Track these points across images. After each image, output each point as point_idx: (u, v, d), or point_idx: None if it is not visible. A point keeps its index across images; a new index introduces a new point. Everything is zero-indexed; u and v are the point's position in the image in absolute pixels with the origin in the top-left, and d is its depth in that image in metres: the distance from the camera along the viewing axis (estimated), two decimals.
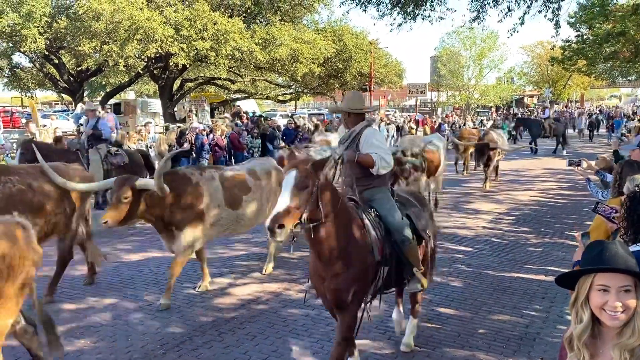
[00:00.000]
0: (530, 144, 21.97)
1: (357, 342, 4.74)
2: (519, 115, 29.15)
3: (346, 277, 3.71)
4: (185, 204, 5.67)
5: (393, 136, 22.22)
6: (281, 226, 3.26)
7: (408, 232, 4.07)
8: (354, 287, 3.76)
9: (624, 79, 42.72)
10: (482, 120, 30.82)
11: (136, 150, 11.03)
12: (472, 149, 14.62)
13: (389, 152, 4.17)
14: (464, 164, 16.11)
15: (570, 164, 5.68)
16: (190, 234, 5.72)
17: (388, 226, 4.03)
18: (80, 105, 21.72)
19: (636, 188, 2.52)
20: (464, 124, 26.62)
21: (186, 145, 13.03)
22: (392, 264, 4.02)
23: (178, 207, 5.63)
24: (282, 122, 20.83)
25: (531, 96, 60.96)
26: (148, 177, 8.16)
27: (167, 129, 15.40)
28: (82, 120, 11.83)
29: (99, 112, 11.41)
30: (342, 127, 4.59)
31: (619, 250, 1.78)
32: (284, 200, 3.33)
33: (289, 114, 31.24)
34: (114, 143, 11.89)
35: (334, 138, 14.65)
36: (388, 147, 4.16)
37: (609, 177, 5.01)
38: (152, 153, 12.83)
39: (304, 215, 3.39)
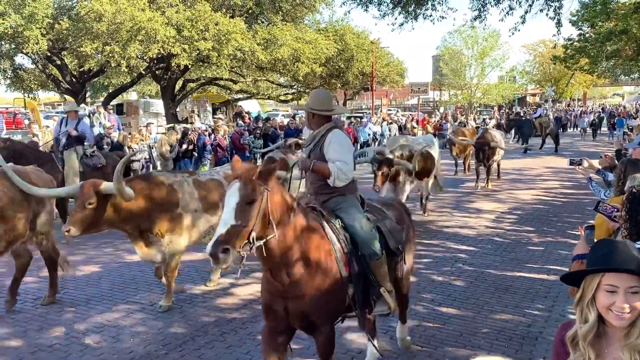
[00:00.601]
0: (523, 144, 21.90)
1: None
2: (511, 116, 29.09)
3: (313, 297, 3.34)
4: (162, 209, 5.44)
5: (395, 135, 22.21)
6: (226, 250, 2.83)
7: (376, 245, 3.68)
8: (324, 308, 3.42)
9: (627, 77, 42.64)
10: (484, 119, 30.75)
11: (114, 151, 10.68)
12: (470, 149, 14.46)
13: (351, 161, 3.72)
14: (463, 163, 15.90)
15: (571, 164, 5.66)
16: (172, 239, 5.55)
17: (354, 237, 3.63)
18: (82, 106, 21.77)
19: (632, 189, 2.51)
20: (465, 123, 26.53)
21: (184, 147, 13.03)
22: (359, 282, 3.62)
23: (154, 213, 5.37)
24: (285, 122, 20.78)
25: (533, 95, 60.81)
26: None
27: (172, 128, 15.41)
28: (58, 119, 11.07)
29: (94, 110, 11.32)
30: (306, 129, 4.45)
31: (629, 250, 1.73)
32: (228, 219, 2.90)
33: (292, 114, 31.28)
34: (115, 144, 11.93)
35: None
36: (352, 155, 3.76)
37: (610, 176, 4.99)
38: (154, 153, 12.85)
39: (253, 234, 2.97)
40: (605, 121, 31.73)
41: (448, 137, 15.99)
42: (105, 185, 4.99)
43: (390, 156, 8.53)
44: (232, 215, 2.91)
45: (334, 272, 3.45)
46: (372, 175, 8.59)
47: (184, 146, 13.06)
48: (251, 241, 2.96)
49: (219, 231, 2.89)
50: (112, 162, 9.52)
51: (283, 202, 3.21)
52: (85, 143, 9.52)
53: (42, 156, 9.26)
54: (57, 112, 27.01)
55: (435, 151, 10.09)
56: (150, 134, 14.15)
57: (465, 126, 24.24)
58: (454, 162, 15.84)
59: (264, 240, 3.08)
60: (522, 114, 28.97)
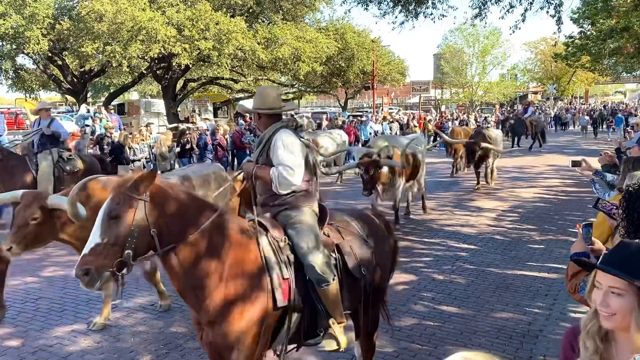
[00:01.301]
0: (514, 145, 21.74)
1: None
2: (501, 117, 29.06)
3: (226, 327, 2.92)
4: None
5: (396, 134, 22.19)
6: (87, 271, 2.60)
7: (325, 270, 3.19)
8: (238, 343, 2.94)
9: (629, 75, 42.55)
10: (486, 118, 30.72)
11: (93, 154, 10.28)
12: (461, 150, 13.83)
13: (297, 165, 3.25)
14: (454, 165, 15.32)
15: (574, 165, 5.60)
16: None
17: (300, 260, 3.21)
18: (84, 106, 21.80)
19: (629, 187, 2.50)
20: (467, 122, 26.48)
21: (181, 147, 13.02)
22: (306, 311, 3.20)
23: None
24: None
25: (535, 93, 60.77)
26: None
27: (177, 128, 15.43)
28: (34, 119, 10.11)
29: (96, 110, 11.12)
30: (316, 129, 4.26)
31: (631, 253, 1.69)
32: (93, 237, 2.66)
33: (292, 113, 31.28)
34: (115, 143, 11.91)
35: (324, 137, 14.22)
36: (299, 158, 3.29)
37: (609, 177, 4.96)
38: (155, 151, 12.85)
39: (129, 252, 2.67)
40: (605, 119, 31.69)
41: (442, 136, 15.75)
42: (53, 200, 4.37)
43: (376, 158, 8.22)
44: (97, 233, 2.66)
45: (261, 298, 3.00)
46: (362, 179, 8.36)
47: (181, 147, 13.06)
48: (127, 260, 2.67)
49: (84, 251, 2.66)
50: (89, 167, 9.01)
51: (182, 213, 2.86)
52: (61, 142, 9.01)
53: (13, 158, 8.62)
54: (59, 112, 27.07)
55: (420, 150, 9.73)
56: (151, 133, 14.17)
57: (466, 125, 24.22)
58: (442, 164, 15.45)
59: (148, 257, 2.81)
60: (511, 114, 28.73)
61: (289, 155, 3.26)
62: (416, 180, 9.68)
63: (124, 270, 2.69)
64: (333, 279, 3.23)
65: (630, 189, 2.48)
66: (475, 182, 12.94)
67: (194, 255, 2.88)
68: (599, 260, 1.82)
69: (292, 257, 3.18)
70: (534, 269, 6.77)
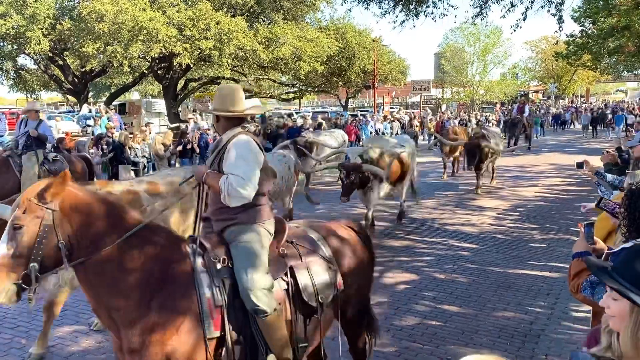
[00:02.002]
0: (512, 144, 21.49)
1: None
2: (504, 117, 28.82)
3: (147, 357, 2.62)
4: None
5: (397, 133, 22.19)
6: None
7: (264, 300, 2.81)
8: None
9: (630, 73, 42.51)
10: (487, 117, 30.69)
11: (78, 155, 10.12)
12: (459, 150, 13.64)
13: (250, 176, 2.92)
14: (452, 164, 14.98)
15: (578, 167, 5.57)
16: None
17: (239, 285, 2.85)
18: (85, 106, 21.85)
19: (632, 186, 2.50)
20: (467, 121, 26.44)
21: (171, 148, 13.00)
22: (245, 342, 2.86)
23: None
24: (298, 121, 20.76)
25: (536, 91, 60.76)
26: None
27: (178, 128, 15.46)
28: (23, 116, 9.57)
29: (97, 110, 11.02)
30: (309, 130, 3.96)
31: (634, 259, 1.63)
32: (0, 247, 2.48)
33: (294, 112, 31.29)
34: (116, 143, 11.90)
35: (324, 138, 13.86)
36: (254, 168, 2.97)
37: (609, 177, 4.94)
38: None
39: (32, 265, 2.45)
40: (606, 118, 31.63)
41: (437, 137, 15.50)
42: None
43: (359, 161, 7.83)
44: (4, 243, 2.48)
45: (190, 327, 2.68)
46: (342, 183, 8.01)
47: (182, 146, 13.07)
48: (31, 273, 2.45)
49: None
50: (75, 168, 8.74)
51: (98, 225, 2.61)
52: (47, 145, 8.77)
53: None
54: (60, 113, 27.12)
55: (409, 152, 9.28)
56: (150, 133, 14.19)
57: (466, 125, 24.17)
58: (442, 164, 14.80)
59: (54, 271, 2.59)
60: (507, 113, 28.47)
61: (242, 164, 2.93)
62: (403, 183, 9.15)
63: (33, 284, 2.46)
64: (274, 310, 2.85)
65: (632, 187, 2.47)
66: (475, 184, 12.50)
67: (108, 272, 2.60)
68: (609, 261, 1.80)
69: (229, 281, 2.84)
70: (535, 268, 6.76)
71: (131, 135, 12.81)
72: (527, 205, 10.77)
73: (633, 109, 37.28)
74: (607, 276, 1.61)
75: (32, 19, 19.44)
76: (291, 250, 3.15)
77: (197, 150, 13.38)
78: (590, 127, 29.11)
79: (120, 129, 15.89)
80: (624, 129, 23.61)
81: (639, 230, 2.40)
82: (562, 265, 6.62)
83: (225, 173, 2.94)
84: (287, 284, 3.04)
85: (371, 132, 20.80)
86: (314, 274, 3.13)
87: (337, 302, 3.23)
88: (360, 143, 19.23)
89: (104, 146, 11.99)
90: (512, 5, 12.24)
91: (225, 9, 22.00)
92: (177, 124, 18.44)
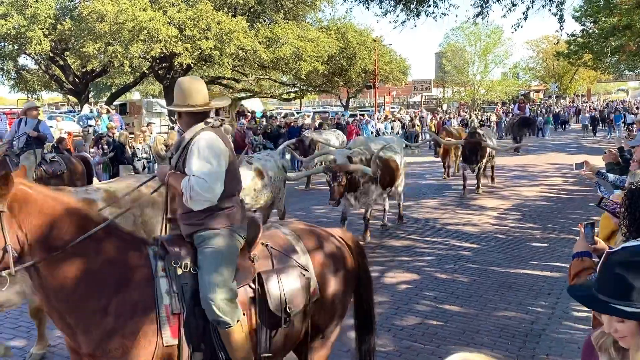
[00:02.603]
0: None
1: None
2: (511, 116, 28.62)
3: None
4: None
5: (398, 133, 22.18)
6: None
7: (226, 310, 2.67)
8: None
9: (631, 73, 42.45)
10: (488, 116, 30.67)
11: (76, 155, 10.06)
12: (455, 151, 13.24)
13: (212, 177, 2.73)
14: (448, 166, 14.53)
15: (577, 168, 5.56)
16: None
17: (200, 294, 2.71)
18: (86, 106, 21.87)
19: (632, 185, 2.49)
20: (468, 121, 26.39)
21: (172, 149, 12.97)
22: (206, 351, 2.74)
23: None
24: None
25: (537, 91, 60.71)
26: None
27: (172, 128, 15.48)
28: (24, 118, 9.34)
29: (98, 110, 10.91)
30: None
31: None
32: None
33: (294, 112, 31.31)
34: (116, 143, 11.90)
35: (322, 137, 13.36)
36: (217, 168, 2.78)
37: (611, 177, 4.93)
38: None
39: None
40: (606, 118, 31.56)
41: (433, 137, 15.30)
42: None
43: (344, 161, 7.36)
44: None
45: (147, 335, 2.59)
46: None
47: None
48: None
49: None
50: (75, 168, 8.71)
51: (50, 226, 2.51)
52: (45, 144, 8.71)
53: None
54: (61, 113, 27.14)
55: (398, 154, 8.87)
56: (151, 133, 14.19)
57: (467, 124, 24.08)
58: (441, 163, 14.64)
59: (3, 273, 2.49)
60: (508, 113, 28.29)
61: (205, 164, 2.75)
62: (395, 187, 8.77)
63: None
64: (237, 321, 2.70)
65: (632, 187, 2.47)
66: (476, 184, 12.34)
67: (60, 276, 2.51)
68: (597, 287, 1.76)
69: (190, 288, 2.71)
70: (536, 268, 6.75)
71: (132, 136, 12.81)
72: (528, 205, 10.76)
73: (630, 107, 37.21)
74: (601, 307, 1.56)
75: (33, 19, 19.45)
76: (263, 255, 2.99)
77: None
78: (590, 127, 29.06)
79: (121, 128, 15.90)
80: (624, 128, 23.56)
81: (639, 230, 2.39)
82: (563, 265, 6.61)
83: (188, 174, 2.78)
84: (254, 291, 2.88)
85: (372, 132, 20.81)
86: (284, 281, 2.92)
87: (308, 312, 3.06)
88: None
89: (105, 146, 11.99)
90: (513, 5, 12.24)
91: (225, 9, 22.00)
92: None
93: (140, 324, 2.58)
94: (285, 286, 2.91)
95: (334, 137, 14.31)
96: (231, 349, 2.72)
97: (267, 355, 2.90)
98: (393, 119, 23.84)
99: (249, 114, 25.05)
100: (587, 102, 52.94)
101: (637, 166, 4.26)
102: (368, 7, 13.35)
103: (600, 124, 30.30)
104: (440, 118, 27.38)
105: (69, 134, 15.91)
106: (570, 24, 41.33)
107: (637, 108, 37.65)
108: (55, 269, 2.51)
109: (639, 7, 19.36)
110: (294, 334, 3.04)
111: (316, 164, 9.93)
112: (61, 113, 27.83)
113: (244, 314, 2.78)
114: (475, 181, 12.12)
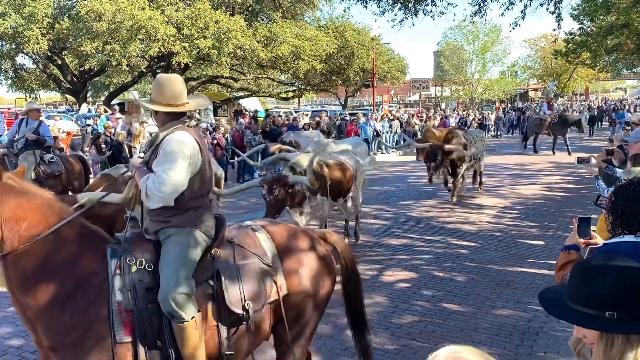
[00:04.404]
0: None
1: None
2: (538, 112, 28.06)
3: (56, 356, 2.63)
4: None
5: (396, 132, 22.16)
6: None
7: (182, 304, 2.67)
8: None
9: (629, 71, 42.48)
10: (485, 115, 30.68)
11: (73, 155, 9.99)
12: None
13: (170, 177, 2.71)
14: (428, 170, 12.64)
15: (579, 162, 5.57)
16: None
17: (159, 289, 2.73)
18: (84, 105, 21.82)
19: (620, 182, 2.52)
20: (466, 120, 26.38)
21: None
22: (162, 349, 2.74)
23: None
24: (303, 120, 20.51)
25: (535, 89, 60.74)
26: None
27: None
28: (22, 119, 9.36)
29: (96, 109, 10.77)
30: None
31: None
32: None
33: (293, 111, 31.30)
34: (114, 143, 11.88)
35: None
36: (178, 168, 2.74)
37: (619, 172, 4.94)
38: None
39: None
40: (606, 117, 31.50)
41: (405, 139, 14.62)
42: None
43: (287, 171, 6.53)
44: None
45: (102, 331, 2.63)
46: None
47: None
48: None
49: None
50: (73, 168, 8.68)
51: (19, 219, 2.57)
52: (45, 146, 8.61)
53: None
54: (59, 112, 27.12)
55: (355, 162, 7.93)
56: (146, 132, 14.18)
57: (465, 124, 24.05)
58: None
59: None
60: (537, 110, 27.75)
61: (170, 164, 2.73)
62: (349, 197, 7.73)
63: None
64: (192, 317, 2.71)
65: (619, 184, 2.51)
66: (475, 185, 12.02)
67: (21, 270, 2.57)
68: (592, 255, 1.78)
69: (144, 285, 2.73)
70: (534, 266, 6.76)
71: (129, 136, 12.79)
72: (526, 203, 10.77)
73: (624, 106, 37.21)
74: (569, 316, 1.53)
75: (31, 18, 19.39)
76: (226, 253, 2.98)
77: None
78: (588, 126, 28.94)
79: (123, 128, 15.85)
80: (623, 127, 23.52)
81: (623, 226, 2.44)
82: None
83: (153, 171, 2.81)
84: (212, 288, 2.89)
85: (369, 132, 20.75)
86: (245, 279, 2.92)
87: (275, 309, 3.05)
88: None
89: (102, 145, 11.98)
90: (511, 3, 12.23)
91: (223, 8, 21.98)
92: None
93: (94, 321, 2.62)
94: (246, 283, 2.91)
95: (315, 138, 13.54)
96: (183, 346, 2.72)
97: (229, 353, 2.89)
98: (392, 117, 23.81)
99: (247, 113, 25.03)
100: (585, 101, 52.96)
101: (630, 164, 4.28)
102: (366, 6, 13.35)
103: (598, 123, 30.17)
104: (441, 118, 27.28)
105: (69, 133, 15.90)
106: (569, 23, 41.51)
107: (633, 106, 37.70)
108: (19, 263, 2.56)
109: (636, 6, 19.39)
110: (259, 331, 3.04)
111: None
112: (59, 112, 27.83)
113: (199, 311, 2.78)
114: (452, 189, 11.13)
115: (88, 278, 2.68)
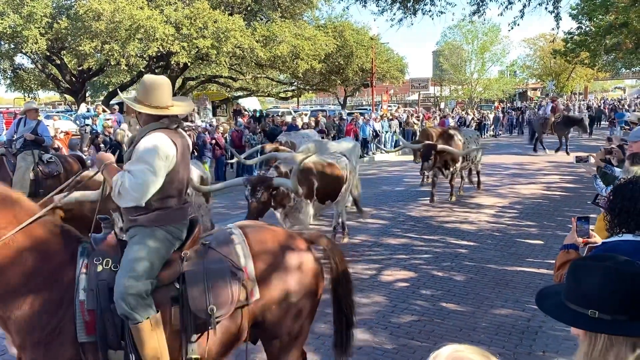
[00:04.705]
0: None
1: (358, 337, 4.75)
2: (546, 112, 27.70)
3: (31, 358, 2.68)
4: None
5: (395, 132, 22.16)
6: None
7: (135, 305, 2.65)
8: None
9: (628, 71, 42.51)
10: (484, 114, 30.67)
11: (72, 155, 9.87)
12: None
13: (143, 175, 2.71)
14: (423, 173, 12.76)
15: (578, 161, 5.58)
16: None
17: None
18: (83, 105, 21.78)
19: (618, 181, 2.53)
20: (465, 120, 26.37)
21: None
22: (127, 350, 2.73)
23: None
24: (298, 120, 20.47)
25: (534, 89, 60.76)
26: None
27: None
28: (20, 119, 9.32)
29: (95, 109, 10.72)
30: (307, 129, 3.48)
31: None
32: None
33: (292, 111, 31.29)
34: (113, 142, 11.86)
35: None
36: (151, 167, 2.74)
37: (618, 171, 4.95)
38: None
39: None
40: (605, 116, 31.44)
41: (401, 140, 14.58)
42: None
43: (271, 174, 6.37)
44: None
45: (67, 330, 2.66)
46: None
47: None
48: None
49: None
50: (71, 168, 8.56)
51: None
52: (43, 146, 8.56)
53: None
54: (58, 112, 27.07)
55: (346, 163, 7.65)
56: None
57: (465, 123, 24.02)
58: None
59: None
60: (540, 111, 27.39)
61: (142, 164, 2.73)
62: (334, 203, 7.54)
63: None
64: (147, 318, 2.68)
65: (618, 183, 2.51)
66: (476, 186, 11.98)
67: None
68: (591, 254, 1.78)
69: (108, 284, 2.72)
70: (533, 265, 6.77)
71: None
72: (525, 203, 10.78)
73: (620, 106, 37.20)
74: (554, 312, 1.53)
75: (29, 18, 19.35)
76: (197, 255, 2.94)
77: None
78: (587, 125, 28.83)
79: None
80: (622, 126, 23.51)
81: (620, 225, 2.44)
82: None
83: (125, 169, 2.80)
84: (178, 290, 2.85)
85: (368, 133, 20.75)
86: (212, 282, 2.85)
87: (251, 315, 2.98)
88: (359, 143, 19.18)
89: (101, 145, 11.96)
90: (510, 3, 12.23)
91: (222, 7, 21.95)
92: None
93: (61, 320, 2.66)
94: (213, 287, 2.84)
95: (312, 138, 12.89)
96: (142, 348, 2.70)
97: (195, 357, 2.85)
98: (390, 117, 23.80)
99: (247, 113, 25.02)
100: (584, 100, 52.96)
101: (629, 162, 4.28)
102: (365, 6, 13.34)
103: (597, 123, 30.08)
104: (440, 117, 27.26)
105: (68, 133, 15.88)
106: (567, 22, 41.51)
107: (629, 106, 37.70)
108: None
109: (635, 5, 19.39)
110: (230, 336, 2.97)
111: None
112: (58, 112, 27.78)
113: (158, 311, 2.75)
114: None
115: (56, 277, 2.71)
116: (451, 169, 10.84)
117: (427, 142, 10.63)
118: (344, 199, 7.77)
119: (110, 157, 2.97)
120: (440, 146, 10.35)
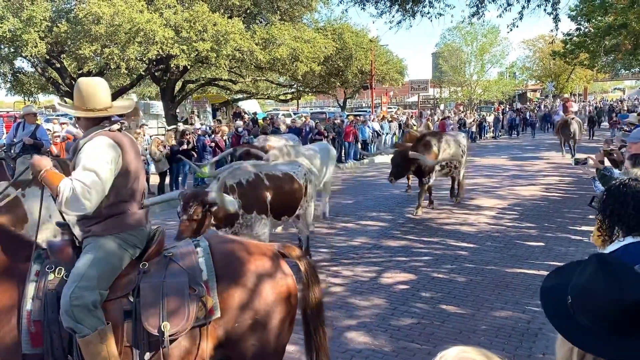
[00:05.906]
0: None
1: (356, 340, 4.75)
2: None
3: None
4: None
5: (395, 134, 22.18)
6: None
7: (81, 318, 2.50)
8: None
9: (627, 72, 42.54)
10: (483, 115, 30.70)
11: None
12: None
13: (92, 181, 2.58)
14: (407, 177, 12.08)
15: (576, 163, 5.59)
16: None
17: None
18: None
19: (612, 184, 2.52)
20: (465, 122, 26.36)
21: (182, 147, 12.93)
22: None
23: None
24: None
25: (534, 90, 60.82)
26: None
27: (175, 130, 15.46)
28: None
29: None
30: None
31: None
32: None
33: (292, 113, 31.33)
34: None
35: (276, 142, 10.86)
36: (102, 175, 2.62)
37: (617, 173, 4.95)
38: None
39: None
40: (605, 117, 31.44)
41: (380, 148, 14.33)
42: None
43: (212, 187, 5.46)
44: None
45: (12, 342, 2.54)
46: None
47: (183, 146, 13.06)
48: None
49: None
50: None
51: None
52: (42, 149, 8.57)
53: None
54: (58, 115, 27.09)
55: (303, 171, 6.87)
56: (144, 135, 14.18)
57: (465, 125, 24.03)
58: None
59: None
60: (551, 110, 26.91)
61: (87, 171, 2.60)
62: (294, 216, 6.79)
63: None
64: (95, 330, 2.52)
65: (611, 187, 2.51)
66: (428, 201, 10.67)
67: None
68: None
69: (55, 294, 2.60)
70: (533, 267, 6.76)
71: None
72: (525, 205, 10.77)
73: (617, 106, 37.18)
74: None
75: (29, 22, 19.37)
76: (157, 267, 2.79)
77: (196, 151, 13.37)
78: (587, 127, 28.83)
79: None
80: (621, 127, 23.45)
81: (612, 227, 2.45)
82: (560, 264, 6.57)
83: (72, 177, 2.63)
84: (131, 303, 2.68)
85: (367, 135, 20.75)
86: (168, 297, 2.67)
87: (213, 333, 2.76)
88: (358, 145, 19.20)
89: None
90: (509, 5, 12.25)
91: (222, 11, 21.99)
92: (174, 126, 18.42)
93: (7, 331, 2.53)
94: (168, 302, 2.67)
95: (283, 143, 11.27)
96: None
97: None
98: (390, 119, 23.81)
99: (247, 115, 25.03)
100: (584, 101, 52.99)
101: (630, 164, 4.29)
102: (364, 8, 13.33)
103: (597, 125, 29.99)
104: (439, 118, 27.24)
105: (68, 137, 15.87)
106: (566, 24, 41.52)
107: (634, 107, 37.69)
108: None
109: (633, 6, 19.42)
110: (188, 356, 2.74)
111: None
112: (58, 115, 27.80)
113: (108, 324, 2.61)
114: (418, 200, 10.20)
115: (4, 286, 2.60)
116: (424, 180, 10.01)
117: (396, 148, 10.00)
118: (308, 213, 6.95)
119: (49, 162, 2.73)
120: (411, 153, 9.54)
